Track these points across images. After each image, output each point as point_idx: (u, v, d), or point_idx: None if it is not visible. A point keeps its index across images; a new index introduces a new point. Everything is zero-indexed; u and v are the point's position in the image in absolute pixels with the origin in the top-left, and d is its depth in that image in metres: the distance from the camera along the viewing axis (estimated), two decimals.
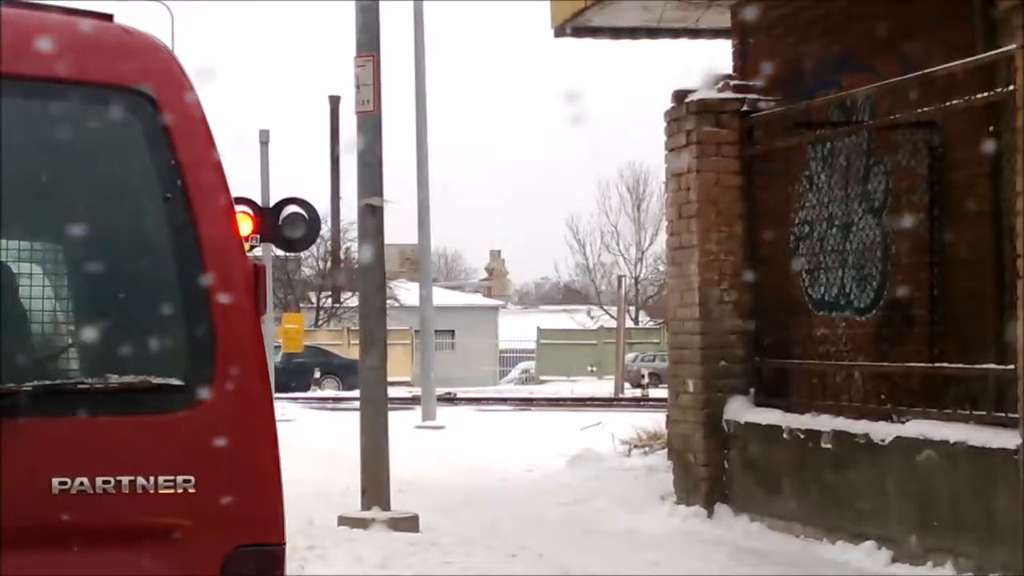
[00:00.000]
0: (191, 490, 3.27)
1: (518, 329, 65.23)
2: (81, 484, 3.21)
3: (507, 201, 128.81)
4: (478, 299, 70.57)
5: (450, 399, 31.95)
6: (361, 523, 10.14)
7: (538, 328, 61.24)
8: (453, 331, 61.80)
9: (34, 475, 3.19)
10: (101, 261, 3.37)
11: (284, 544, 3.41)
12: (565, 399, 33.82)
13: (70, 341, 3.49)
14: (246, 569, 3.31)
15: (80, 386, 3.28)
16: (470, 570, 8.88)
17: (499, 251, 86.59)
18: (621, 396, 35.44)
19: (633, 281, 66.26)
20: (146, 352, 3.29)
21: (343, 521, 10.26)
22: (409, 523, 10.25)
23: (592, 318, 65.09)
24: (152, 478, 3.25)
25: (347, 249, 56.62)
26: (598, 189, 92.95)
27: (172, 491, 3.26)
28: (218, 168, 3.41)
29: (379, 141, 10.66)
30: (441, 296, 64.62)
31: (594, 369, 54.32)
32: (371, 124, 10.58)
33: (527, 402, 32.30)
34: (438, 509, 11.62)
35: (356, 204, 10.73)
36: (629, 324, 56.14)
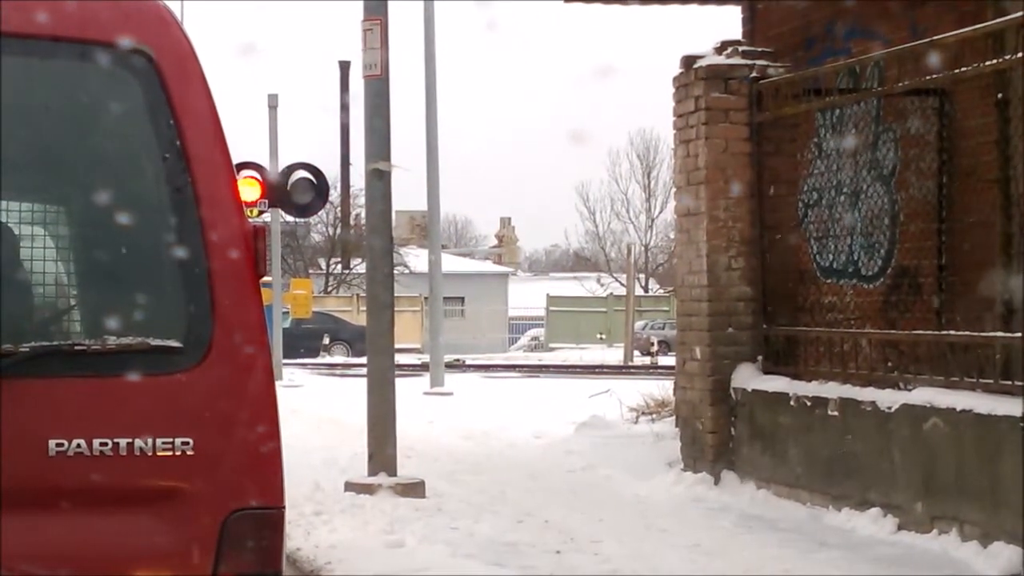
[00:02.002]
0: (189, 452, 3.27)
1: (528, 296, 65.26)
2: (78, 446, 3.21)
3: (518, 168, 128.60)
4: (488, 266, 70.58)
5: (459, 366, 32.00)
6: (367, 489, 10.16)
7: (547, 295, 61.26)
8: (463, 298, 61.85)
9: (30, 437, 3.19)
10: (99, 222, 3.36)
11: (283, 508, 3.41)
12: (574, 366, 33.84)
13: (67, 302, 3.48)
14: (245, 532, 3.30)
15: (77, 348, 3.28)
16: (476, 536, 8.90)
17: (509, 218, 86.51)
18: (630, 364, 35.44)
19: (643, 249, 66.22)
20: (144, 314, 3.28)
21: (349, 487, 10.28)
22: (416, 489, 10.27)
23: (602, 285, 65.08)
24: (150, 440, 3.25)
25: (357, 215, 56.64)
26: (608, 157, 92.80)
27: (170, 454, 3.25)
28: (218, 129, 3.39)
29: (386, 105, 10.62)
30: (451, 263, 64.63)
31: (603, 336, 54.33)
32: (378, 88, 10.54)
33: (536, 369, 32.33)
34: (445, 475, 11.64)
35: (364, 169, 10.70)
36: (639, 292, 56.14)
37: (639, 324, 46.96)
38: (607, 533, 9.07)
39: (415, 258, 52.64)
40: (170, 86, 3.34)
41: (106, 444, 3.23)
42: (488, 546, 8.53)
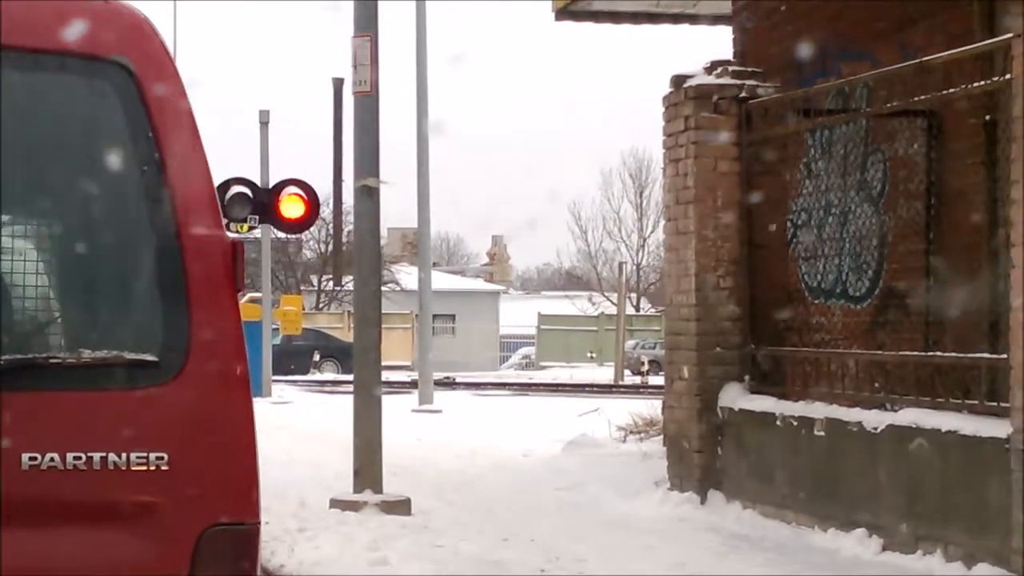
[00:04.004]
0: (164, 467, 3.24)
1: (519, 315, 65.28)
2: (52, 460, 3.19)
3: (511, 187, 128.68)
4: (479, 284, 70.58)
5: (449, 383, 31.95)
6: (353, 506, 10.13)
7: (539, 314, 61.26)
8: (454, 316, 61.85)
9: (4, 451, 3.17)
10: (76, 235, 3.34)
11: (259, 523, 3.39)
12: (564, 385, 33.80)
13: (42, 315, 3.46)
14: (220, 548, 3.28)
15: (52, 361, 3.25)
16: (460, 554, 8.86)
17: (501, 236, 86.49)
18: (620, 383, 35.41)
19: (635, 268, 66.26)
20: (119, 327, 3.26)
21: (335, 504, 10.25)
22: (401, 506, 10.24)
23: (593, 304, 65.08)
24: (124, 455, 3.22)
25: (348, 232, 56.60)
26: (601, 175, 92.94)
27: (145, 468, 3.23)
28: (197, 141, 3.37)
29: (376, 122, 10.62)
30: (442, 281, 64.63)
31: (593, 355, 54.33)
32: (368, 105, 10.54)
33: (526, 387, 32.28)
34: (432, 493, 11.61)
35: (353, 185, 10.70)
36: (630, 311, 56.15)
37: (630, 343, 46.96)
38: (592, 551, 9.04)
39: (406, 275, 52.64)
40: (148, 97, 3.32)
41: (80, 458, 3.21)
42: (473, 564, 8.49)
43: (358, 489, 10.41)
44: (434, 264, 78.49)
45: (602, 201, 76.00)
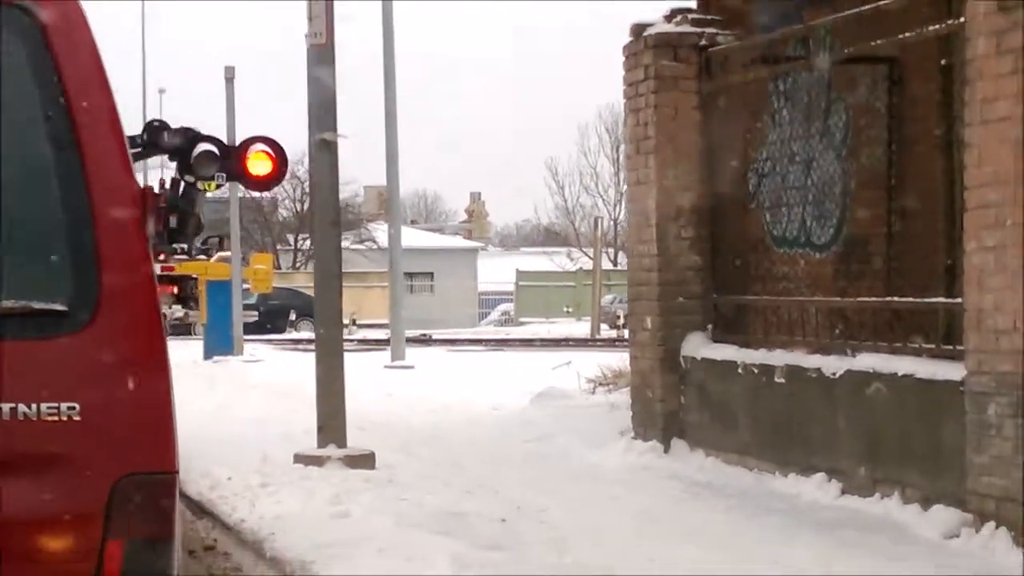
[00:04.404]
0: (76, 418, 3.21)
1: (498, 271, 65.26)
2: None
3: (488, 143, 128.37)
4: (458, 241, 70.52)
5: (424, 340, 31.96)
6: (317, 461, 10.13)
7: (517, 270, 61.26)
8: (432, 273, 61.83)
9: None
10: None
11: (175, 473, 3.36)
12: (540, 340, 33.85)
13: None
14: (135, 498, 3.26)
15: None
16: (424, 506, 8.87)
17: (479, 193, 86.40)
18: (597, 337, 35.47)
19: (612, 223, 66.24)
20: (28, 276, 3.23)
21: (299, 459, 10.24)
22: (366, 460, 10.24)
23: (572, 260, 65.08)
24: (35, 406, 3.19)
25: None
26: (578, 130, 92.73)
27: (56, 419, 3.20)
28: (104, 86, 3.32)
29: (332, 74, 10.56)
30: (421, 238, 64.54)
31: (569, 310, 54.39)
32: (323, 57, 10.48)
33: (501, 343, 32.31)
34: (399, 447, 11.61)
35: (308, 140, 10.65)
36: (607, 266, 56.15)
37: (607, 298, 47.01)
38: (555, 501, 9.06)
39: (383, 233, 52.50)
40: (54, 43, 3.27)
41: None
42: (435, 516, 8.49)
43: (322, 444, 10.41)
44: (412, 222, 78.34)
45: (579, 156, 75.83)
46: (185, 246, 28.87)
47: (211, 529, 9.18)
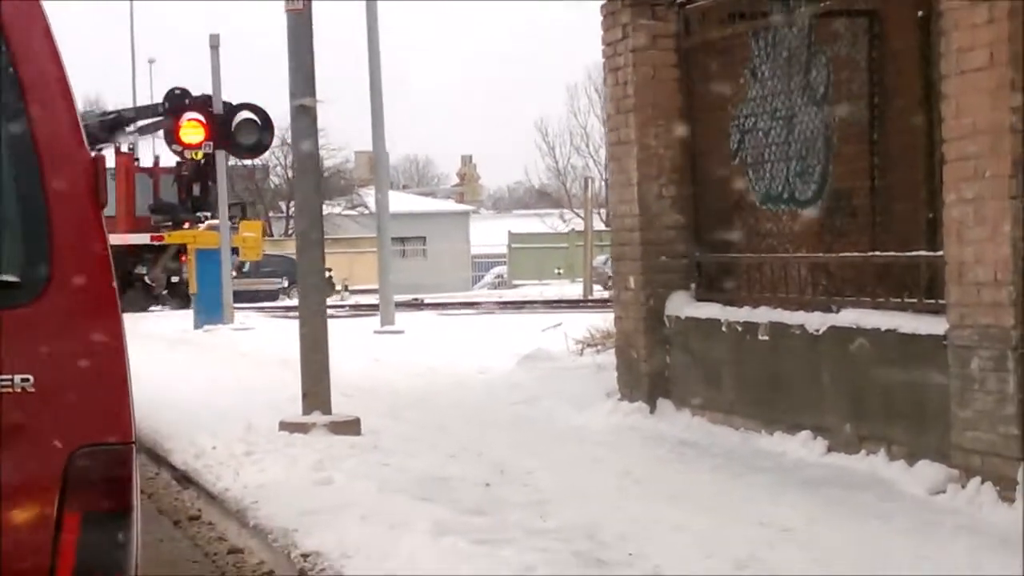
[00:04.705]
0: (30, 389, 3.18)
1: (491, 234, 65.17)
2: None
3: (478, 106, 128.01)
4: (449, 205, 70.40)
5: (416, 305, 31.92)
6: (301, 428, 10.11)
7: (509, 232, 61.21)
8: (424, 238, 61.76)
9: None
10: None
11: (132, 443, 3.33)
12: (532, 302, 33.81)
13: None
14: (91, 469, 3.23)
15: None
16: (408, 471, 8.86)
17: (470, 156, 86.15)
18: (589, 298, 35.44)
19: (603, 183, 66.09)
20: None
21: (284, 426, 10.23)
22: (351, 426, 10.23)
23: (564, 221, 64.98)
24: None
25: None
26: (567, 91, 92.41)
27: (10, 390, 3.17)
28: (56, 57, 3.27)
29: (310, 39, 10.48)
30: (412, 202, 64.44)
31: (560, 271, 54.37)
32: (301, 21, 10.40)
33: (493, 306, 32.27)
34: (386, 412, 11.59)
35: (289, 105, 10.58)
36: (599, 226, 56.08)
37: (599, 258, 46.94)
38: (540, 464, 9.05)
39: (374, 199, 52.39)
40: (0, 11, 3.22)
41: None
42: (418, 481, 8.48)
43: (307, 411, 10.39)
44: (404, 186, 77.90)
45: (569, 117, 75.56)
46: (209, 214, 28.99)
47: (196, 499, 9.18)
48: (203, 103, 22.37)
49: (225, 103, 22.05)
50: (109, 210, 32.56)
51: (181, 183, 30.83)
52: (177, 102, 23.48)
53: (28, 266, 3.22)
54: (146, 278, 31.07)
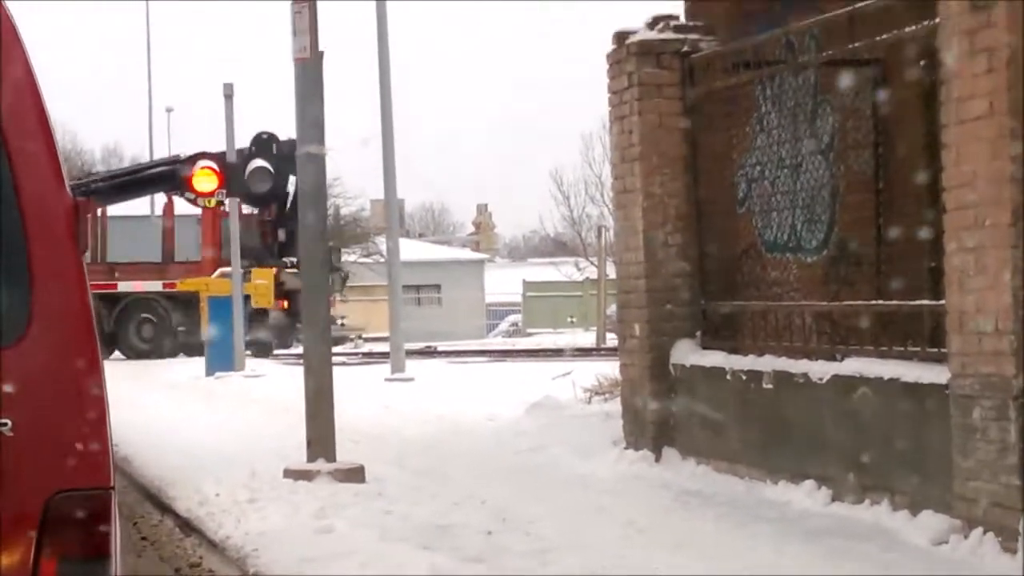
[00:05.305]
0: (8, 433, 3.18)
1: (506, 283, 65.11)
2: None
3: (494, 156, 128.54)
4: (464, 253, 70.44)
5: (429, 352, 31.89)
6: (306, 475, 10.10)
7: (524, 281, 61.17)
8: (439, 286, 61.75)
9: None
10: None
11: (111, 488, 3.32)
12: (543, 350, 33.76)
13: None
14: (69, 515, 3.22)
15: None
16: (410, 519, 8.83)
17: (486, 205, 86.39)
18: (602, 346, 35.35)
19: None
20: None
21: (288, 474, 10.22)
22: (355, 474, 10.21)
23: (579, 270, 64.91)
24: None
25: (331, 203, 56.35)
26: (581, 140, 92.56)
27: None
28: (34, 93, 3.27)
29: (319, 88, 10.54)
30: (427, 251, 64.47)
31: (573, 320, 54.26)
32: (308, 70, 10.46)
33: (505, 354, 32.22)
34: (392, 460, 11.56)
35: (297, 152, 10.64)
36: (614, 275, 56.00)
37: (613, 307, 46.85)
38: (544, 512, 9.01)
39: None
40: None
41: None
42: (420, 529, 8.46)
43: (311, 458, 10.38)
44: (420, 235, 77.83)
45: (583, 166, 75.68)
46: (295, 260, 29.03)
47: (198, 546, 9.15)
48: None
49: (238, 150, 22.17)
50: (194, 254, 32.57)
51: (264, 229, 30.77)
52: (263, 146, 23.73)
53: (7, 311, 3.22)
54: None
